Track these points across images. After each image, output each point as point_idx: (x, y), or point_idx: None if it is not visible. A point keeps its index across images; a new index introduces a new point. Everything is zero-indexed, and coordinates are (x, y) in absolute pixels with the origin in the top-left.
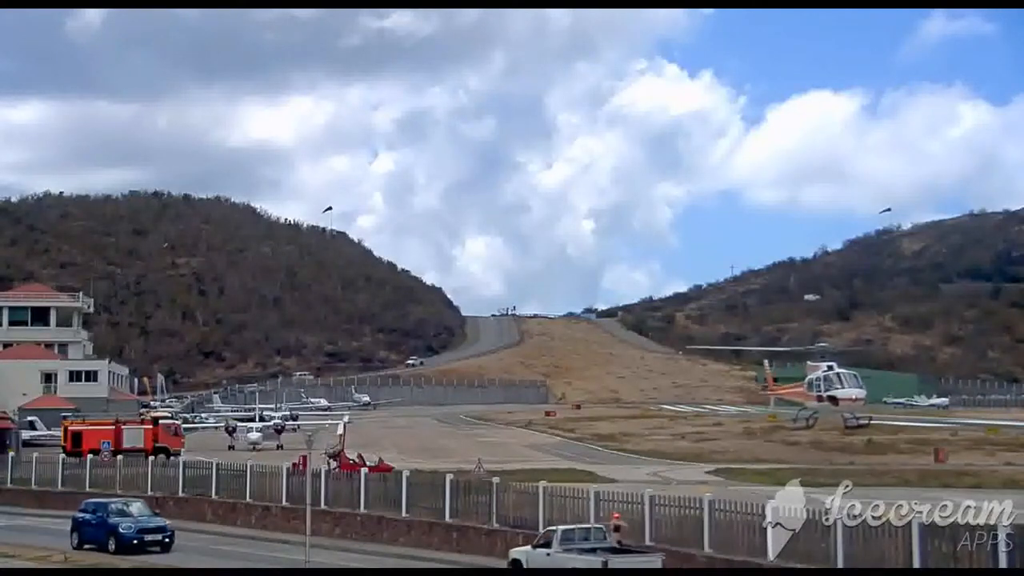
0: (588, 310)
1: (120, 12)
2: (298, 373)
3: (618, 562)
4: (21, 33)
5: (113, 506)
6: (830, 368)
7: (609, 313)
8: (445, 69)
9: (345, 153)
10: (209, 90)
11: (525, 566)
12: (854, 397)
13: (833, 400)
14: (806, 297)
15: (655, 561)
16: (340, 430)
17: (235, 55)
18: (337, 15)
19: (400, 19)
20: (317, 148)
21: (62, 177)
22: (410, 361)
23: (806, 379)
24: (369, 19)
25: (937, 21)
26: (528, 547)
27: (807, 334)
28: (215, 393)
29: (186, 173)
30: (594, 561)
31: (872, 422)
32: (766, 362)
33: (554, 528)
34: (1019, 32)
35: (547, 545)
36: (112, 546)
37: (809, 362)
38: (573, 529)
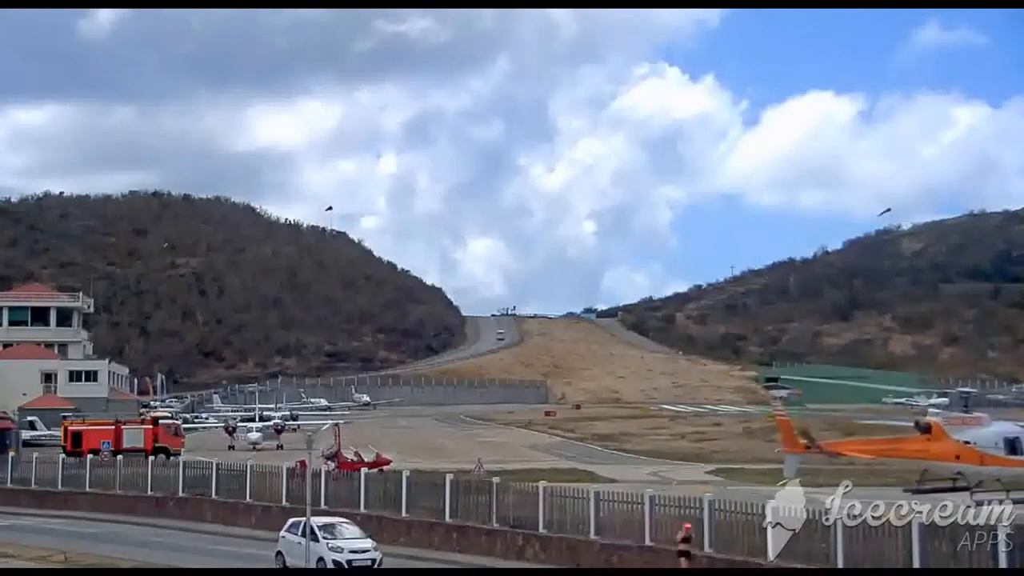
0: (588, 310)
1: (128, 15)
2: (294, 378)
3: None
4: (32, 36)
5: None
6: None
7: (609, 313)
8: (450, 73)
9: (350, 156)
10: (216, 93)
11: None
12: None
13: None
14: None
15: None
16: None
17: (244, 59)
18: (350, 20)
19: (416, 24)
20: (323, 151)
21: (68, 181)
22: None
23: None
24: (384, 23)
25: (932, 29)
26: None
27: (807, 334)
28: (215, 393)
29: (192, 176)
30: None
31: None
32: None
33: None
34: (1012, 38)
35: None
36: None
37: (936, 409)
38: None
